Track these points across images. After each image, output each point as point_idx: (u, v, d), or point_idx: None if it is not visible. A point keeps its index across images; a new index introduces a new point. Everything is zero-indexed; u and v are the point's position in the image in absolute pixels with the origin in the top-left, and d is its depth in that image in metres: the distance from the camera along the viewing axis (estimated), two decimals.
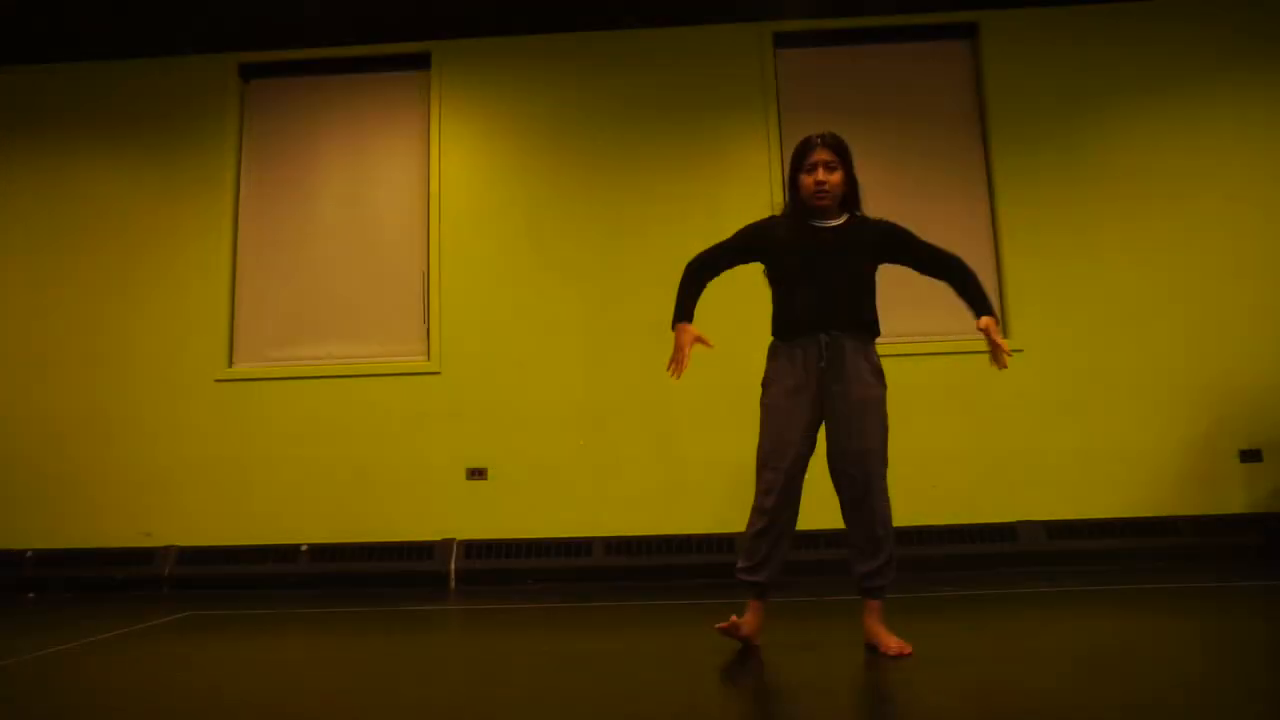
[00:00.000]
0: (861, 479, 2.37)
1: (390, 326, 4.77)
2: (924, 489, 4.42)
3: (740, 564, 2.51)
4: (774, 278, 2.59)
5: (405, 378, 4.64)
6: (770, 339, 2.57)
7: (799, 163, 2.55)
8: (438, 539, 4.44)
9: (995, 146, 4.68)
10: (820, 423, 2.46)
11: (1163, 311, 4.49)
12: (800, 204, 2.55)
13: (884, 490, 2.39)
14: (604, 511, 4.44)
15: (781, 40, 4.88)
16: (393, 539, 4.45)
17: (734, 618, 2.45)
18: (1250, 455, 4.34)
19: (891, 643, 2.29)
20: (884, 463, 2.39)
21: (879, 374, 2.46)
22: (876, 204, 4.76)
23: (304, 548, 4.45)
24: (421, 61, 4.97)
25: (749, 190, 4.71)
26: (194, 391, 4.67)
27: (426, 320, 4.74)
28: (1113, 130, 4.66)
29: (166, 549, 4.49)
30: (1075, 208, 4.60)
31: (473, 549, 4.38)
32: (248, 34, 4.83)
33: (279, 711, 1.94)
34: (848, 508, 2.43)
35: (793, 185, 2.57)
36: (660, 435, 4.54)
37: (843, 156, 2.58)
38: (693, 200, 4.73)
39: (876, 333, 2.52)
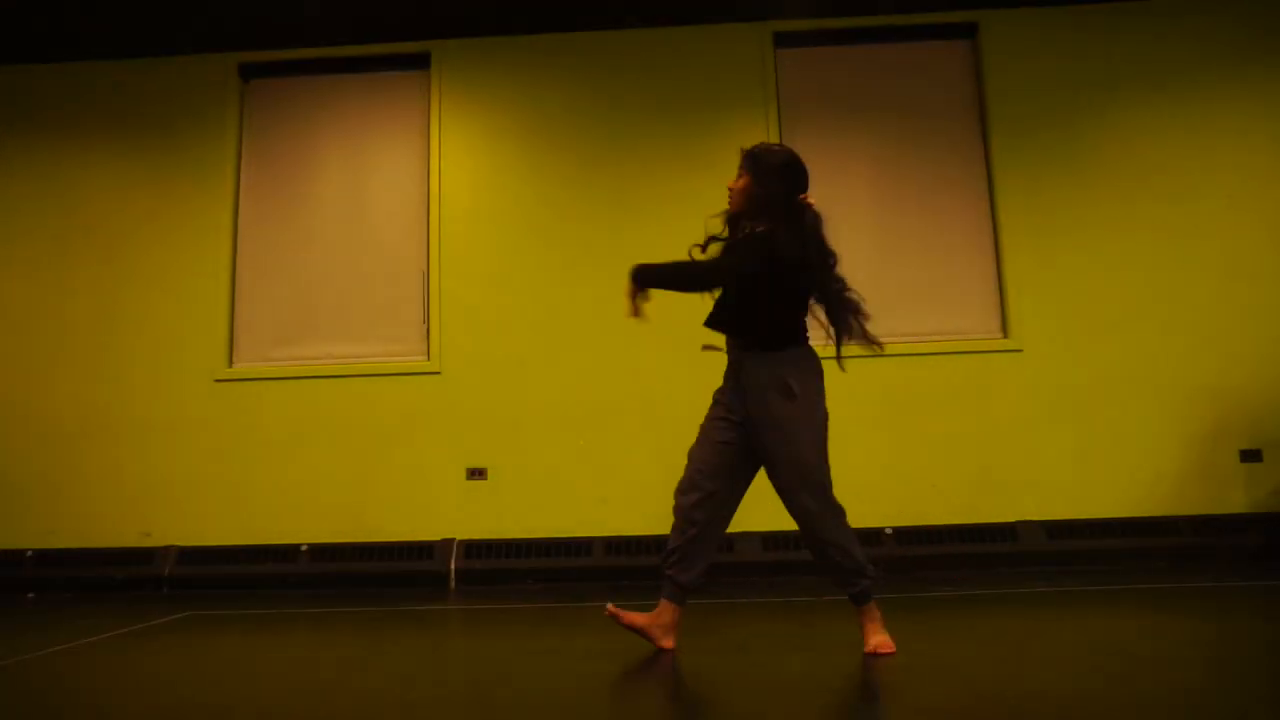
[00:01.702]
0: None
1: (390, 326, 4.77)
2: (924, 489, 4.42)
3: (665, 563, 2.45)
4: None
5: (405, 378, 4.64)
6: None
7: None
8: (438, 539, 4.44)
9: (995, 146, 4.68)
10: None
11: (1163, 311, 4.49)
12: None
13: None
14: (604, 511, 4.44)
15: (781, 40, 4.88)
16: (393, 539, 4.45)
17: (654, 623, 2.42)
18: (1250, 455, 4.34)
19: (872, 640, 2.27)
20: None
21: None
22: (876, 204, 4.80)
23: (304, 548, 4.45)
24: (421, 61, 4.97)
25: None
26: (194, 391, 4.67)
27: (426, 320, 4.73)
28: (1113, 130, 4.66)
29: (166, 549, 4.49)
30: (1075, 207, 4.60)
31: (473, 549, 4.38)
32: (248, 34, 4.83)
33: (279, 711, 1.94)
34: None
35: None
36: (660, 435, 4.53)
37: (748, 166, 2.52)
38: (693, 200, 4.69)
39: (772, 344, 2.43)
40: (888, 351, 4.51)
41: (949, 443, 4.45)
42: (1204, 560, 4.12)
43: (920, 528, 4.32)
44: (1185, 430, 4.38)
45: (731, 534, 4.31)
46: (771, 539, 4.32)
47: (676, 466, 4.44)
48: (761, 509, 4.44)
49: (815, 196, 5.09)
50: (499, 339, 4.65)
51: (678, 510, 2.49)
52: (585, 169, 4.78)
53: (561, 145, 4.81)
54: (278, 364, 4.75)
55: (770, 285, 2.38)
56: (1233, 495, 4.32)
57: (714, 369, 4.63)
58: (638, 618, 2.44)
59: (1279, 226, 4.52)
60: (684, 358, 4.70)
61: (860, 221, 4.75)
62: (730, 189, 2.57)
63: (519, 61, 4.89)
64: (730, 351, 2.50)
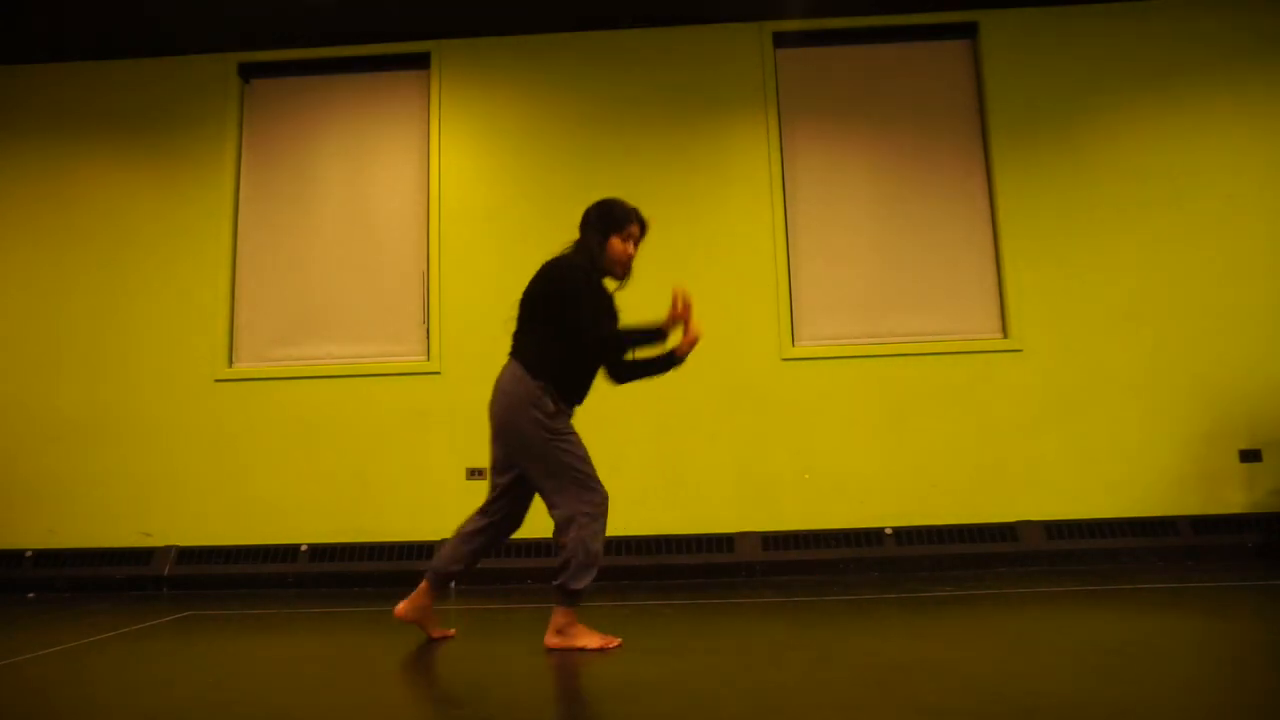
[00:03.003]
0: None
1: (390, 326, 4.77)
2: (924, 489, 4.42)
3: (583, 582, 2.56)
4: (569, 330, 2.61)
5: (405, 378, 4.64)
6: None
7: (620, 226, 2.66)
8: (438, 539, 4.44)
9: (995, 146, 4.68)
10: None
11: (1162, 311, 4.49)
12: (603, 264, 2.67)
13: None
14: None
15: (781, 40, 4.88)
16: (393, 539, 4.45)
17: (589, 642, 2.56)
18: (1250, 455, 4.34)
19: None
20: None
21: None
22: (876, 204, 4.80)
23: (304, 548, 4.45)
24: (421, 61, 4.97)
25: (749, 190, 4.71)
26: (194, 391, 4.67)
27: (426, 320, 4.73)
28: (1113, 130, 4.66)
29: (166, 549, 4.49)
30: (1075, 207, 4.61)
31: None
32: (248, 34, 4.83)
33: (278, 711, 1.94)
34: None
35: (603, 244, 2.66)
36: (660, 435, 4.54)
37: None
38: (692, 200, 4.73)
39: None
40: (888, 351, 4.57)
41: (949, 443, 4.45)
42: (1204, 560, 4.12)
43: (920, 528, 4.32)
44: (1185, 430, 4.39)
45: (731, 534, 4.33)
46: (772, 539, 4.32)
47: (676, 467, 4.47)
48: (762, 509, 4.46)
49: (814, 196, 5.10)
50: (499, 339, 4.62)
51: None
52: (585, 168, 4.78)
53: (561, 145, 4.81)
54: (278, 364, 4.75)
55: None
56: (1232, 495, 4.32)
57: (710, 367, 4.64)
58: (591, 641, 2.57)
59: (1277, 226, 4.52)
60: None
61: (860, 221, 4.75)
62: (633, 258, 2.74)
63: (519, 61, 4.89)
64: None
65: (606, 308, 2.65)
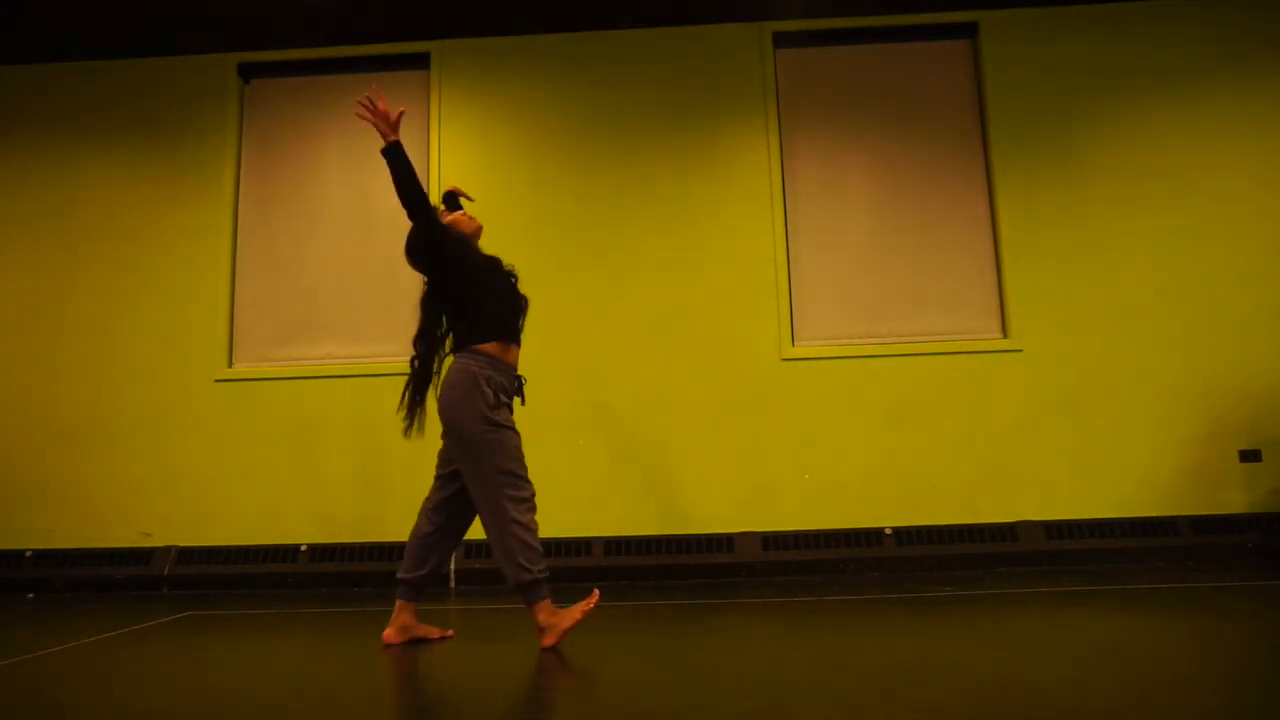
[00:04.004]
0: None
1: (391, 326, 4.77)
2: (924, 489, 4.42)
3: (538, 566, 2.58)
4: (472, 287, 2.84)
5: (405, 378, 4.62)
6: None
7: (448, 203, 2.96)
8: None
9: (995, 146, 4.68)
10: None
11: (1162, 311, 4.49)
12: (467, 232, 2.94)
13: None
14: (604, 511, 4.44)
15: (781, 40, 4.88)
16: (393, 539, 4.45)
17: (574, 617, 2.57)
18: (1250, 455, 4.34)
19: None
20: None
21: None
22: (876, 204, 4.80)
23: (304, 548, 4.45)
24: (421, 61, 4.97)
25: (749, 190, 4.71)
26: (194, 391, 4.67)
27: None
28: (1113, 129, 4.66)
29: (166, 549, 4.49)
30: (1075, 208, 4.61)
31: (472, 549, 4.38)
32: (248, 34, 4.83)
33: (277, 712, 1.94)
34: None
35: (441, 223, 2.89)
36: (660, 435, 4.54)
37: None
38: (693, 200, 4.73)
39: None
40: (888, 352, 4.56)
41: (949, 443, 4.45)
42: (1204, 560, 4.12)
43: (920, 528, 4.32)
44: (1185, 430, 4.39)
45: (731, 534, 4.33)
46: (772, 539, 4.32)
47: (676, 466, 4.47)
48: (762, 509, 4.46)
49: (814, 196, 5.11)
50: None
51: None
52: (584, 169, 4.78)
53: (560, 145, 4.81)
54: (278, 364, 4.75)
55: None
56: (1232, 495, 4.32)
57: (710, 369, 4.64)
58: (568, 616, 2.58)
59: (1278, 227, 4.52)
60: (684, 358, 4.71)
61: (860, 221, 4.75)
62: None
63: (519, 61, 4.89)
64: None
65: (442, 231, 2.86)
